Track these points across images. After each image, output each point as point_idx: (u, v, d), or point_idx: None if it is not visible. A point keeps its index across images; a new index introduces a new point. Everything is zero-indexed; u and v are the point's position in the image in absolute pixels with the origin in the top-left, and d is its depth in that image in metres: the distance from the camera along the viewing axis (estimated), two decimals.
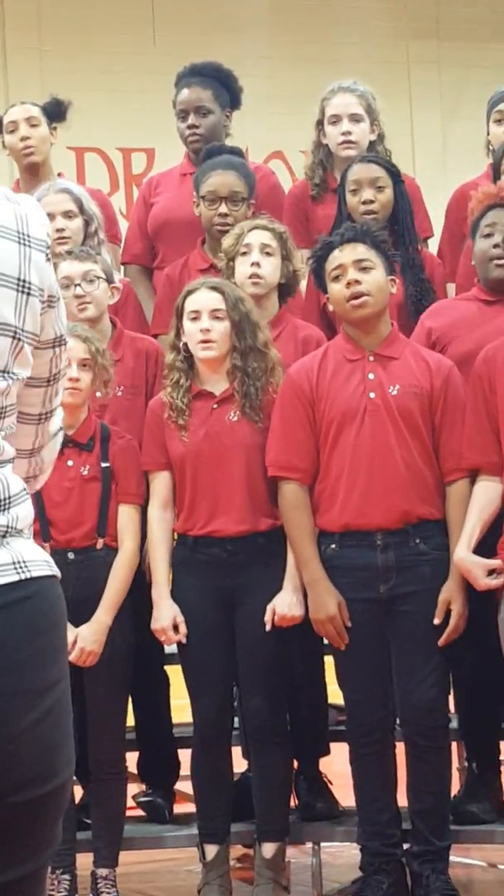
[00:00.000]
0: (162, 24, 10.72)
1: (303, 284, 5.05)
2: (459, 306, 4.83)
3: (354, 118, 5.41)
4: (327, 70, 9.94)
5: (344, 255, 4.54)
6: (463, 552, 4.36)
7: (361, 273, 4.52)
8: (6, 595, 2.04)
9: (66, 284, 4.83)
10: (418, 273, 5.04)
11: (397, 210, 5.08)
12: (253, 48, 10.52)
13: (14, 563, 2.07)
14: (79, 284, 4.83)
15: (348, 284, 4.51)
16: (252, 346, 4.60)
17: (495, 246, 4.66)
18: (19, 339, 2.13)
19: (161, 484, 4.68)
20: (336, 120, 5.42)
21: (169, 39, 10.48)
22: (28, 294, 2.14)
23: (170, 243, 5.48)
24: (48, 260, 2.18)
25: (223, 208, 5.11)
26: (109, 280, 4.91)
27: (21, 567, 2.07)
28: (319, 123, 5.48)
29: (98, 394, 4.69)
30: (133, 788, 5.05)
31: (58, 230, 5.12)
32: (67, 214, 5.17)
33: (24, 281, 2.14)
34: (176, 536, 4.68)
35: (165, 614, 4.58)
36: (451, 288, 5.26)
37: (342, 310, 4.58)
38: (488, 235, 4.68)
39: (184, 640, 4.57)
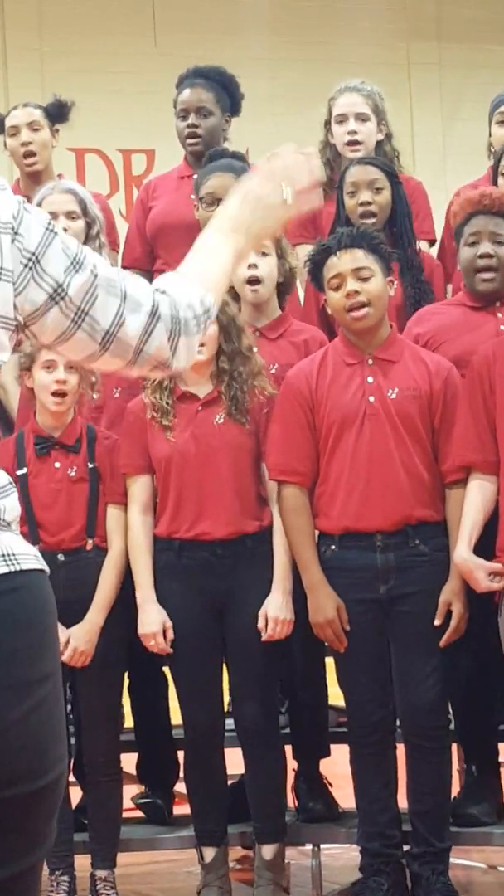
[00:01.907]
0: (162, 25, 10.72)
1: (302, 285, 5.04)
2: (446, 311, 4.81)
3: (360, 117, 5.40)
4: (327, 71, 9.96)
5: (342, 263, 4.52)
6: (465, 553, 4.33)
7: (360, 282, 4.50)
8: None
9: None
10: (417, 274, 5.03)
11: (395, 211, 5.06)
12: (253, 49, 10.53)
13: (3, 555, 2.07)
14: None
15: (348, 295, 4.49)
16: (237, 349, 4.59)
17: (480, 256, 4.64)
18: (5, 328, 2.14)
19: (141, 488, 4.62)
20: (342, 119, 5.42)
21: (169, 40, 10.49)
22: (6, 281, 2.15)
23: (168, 247, 5.47)
24: (12, 241, 2.18)
25: None
26: None
27: (10, 559, 2.07)
28: (327, 123, 5.48)
29: (95, 395, 4.68)
30: (133, 790, 5.04)
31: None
32: (70, 215, 5.15)
33: (8, 270, 2.15)
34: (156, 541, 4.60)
35: (154, 619, 4.53)
36: (449, 289, 5.25)
37: (342, 319, 4.56)
38: (473, 244, 4.66)
39: (169, 648, 4.52)
